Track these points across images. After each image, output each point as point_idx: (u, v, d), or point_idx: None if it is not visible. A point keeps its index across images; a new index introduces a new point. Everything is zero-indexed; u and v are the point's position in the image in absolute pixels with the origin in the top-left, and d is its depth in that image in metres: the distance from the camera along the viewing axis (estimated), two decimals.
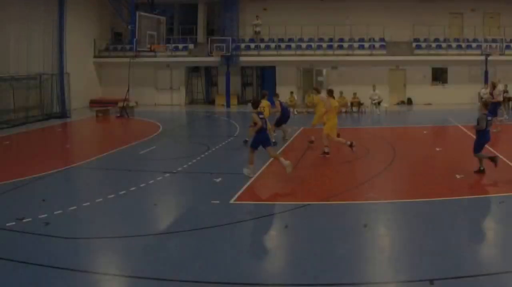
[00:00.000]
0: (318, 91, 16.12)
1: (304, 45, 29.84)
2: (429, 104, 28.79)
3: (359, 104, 26.16)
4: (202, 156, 14.22)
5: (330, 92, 14.45)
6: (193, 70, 32.14)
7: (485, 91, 26.41)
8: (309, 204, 9.36)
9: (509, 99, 26.10)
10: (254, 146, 11.32)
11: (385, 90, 27.88)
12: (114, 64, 30.14)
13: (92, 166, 13.24)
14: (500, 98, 19.05)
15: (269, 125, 12.81)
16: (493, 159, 11.41)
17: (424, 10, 29.60)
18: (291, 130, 17.62)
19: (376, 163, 12.98)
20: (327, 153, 13.81)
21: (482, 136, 11.45)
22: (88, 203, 9.52)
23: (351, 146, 13.74)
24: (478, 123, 11.28)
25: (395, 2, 29.70)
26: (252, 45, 30.52)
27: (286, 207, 9.25)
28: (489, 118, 11.48)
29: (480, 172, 11.48)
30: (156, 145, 16.35)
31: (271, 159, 11.71)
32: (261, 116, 11.28)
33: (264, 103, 15.11)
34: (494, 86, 18.56)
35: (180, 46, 30.85)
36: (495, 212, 8.93)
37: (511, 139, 17.86)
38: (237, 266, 6.67)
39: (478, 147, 11.50)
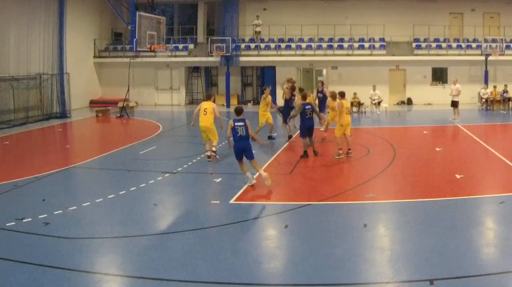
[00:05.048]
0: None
1: (304, 45, 29.80)
2: (429, 104, 28.79)
3: (359, 104, 26.14)
4: (202, 156, 14.22)
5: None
6: (193, 70, 32.13)
7: (485, 91, 26.47)
8: (309, 204, 9.37)
9: (509, 99, 26.09)
10: None
11: (385, 90, 27.85)
12: (114, 64, 30.11)
13: (92, 166, 13.24)
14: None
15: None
16: (306, 152, 13.61)
17: (424, 10, 29.56)
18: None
19: (376, 163, 12.98)
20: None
21: (302, 123, 13.70)
22: (88, 203, 9.53)
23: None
24: (294, 111, 14.26)
25: (395, 2, 29.68)
26: (252, 45, 30.49)
27: (286, 207, 9.25)
28: (308, 107, 13.70)
29: (305, 155, 13.52)
30: (156, 144, 16.35)
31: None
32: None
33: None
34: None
35: (180, 46, 30.82)
36: (495, 212, 8.91)
37: (510, 139, 17.88)
38: (237, 266, 6.67)
39: (302, 132, 13.75)
